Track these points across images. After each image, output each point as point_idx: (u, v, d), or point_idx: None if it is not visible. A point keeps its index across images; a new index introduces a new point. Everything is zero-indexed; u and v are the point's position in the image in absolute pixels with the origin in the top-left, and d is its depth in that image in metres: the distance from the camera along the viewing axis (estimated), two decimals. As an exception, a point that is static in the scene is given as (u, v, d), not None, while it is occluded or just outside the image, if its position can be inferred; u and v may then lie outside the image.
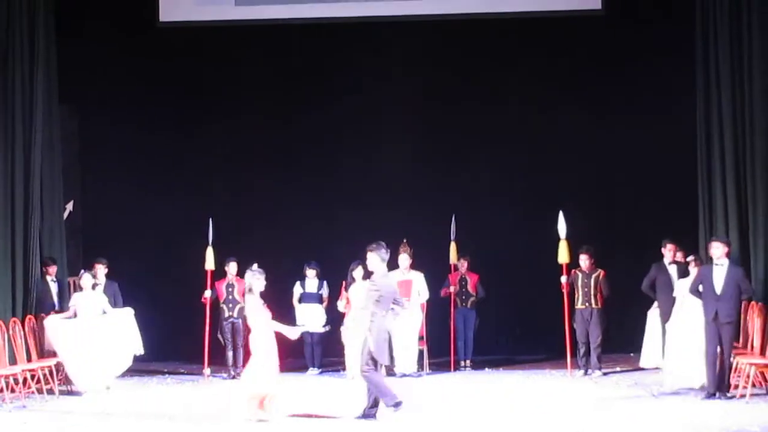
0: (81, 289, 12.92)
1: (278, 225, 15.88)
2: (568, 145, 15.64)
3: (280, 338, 10.76)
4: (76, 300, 12.87)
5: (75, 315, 12.75)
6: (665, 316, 12.79)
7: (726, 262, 11.25)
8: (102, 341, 12.67)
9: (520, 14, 15.17)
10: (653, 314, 13.35)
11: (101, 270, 13.73)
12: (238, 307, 14.17)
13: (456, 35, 15.59)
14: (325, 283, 14.52)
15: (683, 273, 12.60)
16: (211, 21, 15.31)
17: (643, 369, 13.28)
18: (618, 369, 13.88)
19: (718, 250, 11.31)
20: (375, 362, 10.31)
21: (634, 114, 15.30)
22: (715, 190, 13.04)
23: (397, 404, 10.25)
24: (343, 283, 13.78)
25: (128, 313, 13.25)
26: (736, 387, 11.20)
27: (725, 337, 11.12)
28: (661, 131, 15.09)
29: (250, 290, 10.59)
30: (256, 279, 10.62)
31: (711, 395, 11.10)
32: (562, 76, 15.60)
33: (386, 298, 10.43)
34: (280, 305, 14.74)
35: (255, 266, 10.89)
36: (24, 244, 13.22)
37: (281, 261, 15.14)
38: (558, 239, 13.68)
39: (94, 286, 13.08)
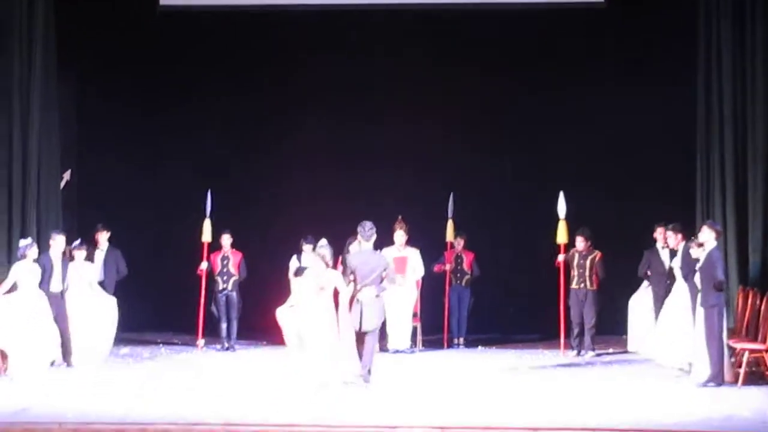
0: (73, 259, 12.86)
1: (274, 200, 15.87)
2: (569, 125, 15.58)
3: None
4: (16, 271, 11.99)
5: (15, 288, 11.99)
6: (658, 302, 12.84)
7: (711, 246, 11.21)
8: (82, 318, 12.53)
9: (523, 5, 15.13)
10: (635, 300, 13.58)
11: (104, 236, 13.83)
12: (232, 279, 14.21)
13: (457, 23, 15.53)
14: (321, 257, 14.50)
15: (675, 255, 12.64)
16: (210, 6, 15.28)
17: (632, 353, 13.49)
18: (611, 350, 13.91)
19: (702, 234, 11.31)
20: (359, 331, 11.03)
21: (636, 96, 15.23)
22: (713, 174, 13.04)
23: (364, 379, 10.94)
24: (339, 258, 13.74)
25: (111, 302, 13.10)
26: (737, 373, 11.18)
27: (707, 322, 11.08)
28: (662, 114, 15.06)
29: (327, 262, 11.10)
30: (328, 250, 11.22)
31: (707, 381, 11.07)
32: (564, 58, 15.55)
33: (360, 273, 11.06)
34: (276, 279, 14.81)
35: (324, 241, 11.53)
36: (21, 212, 13.24)
37: (277, 235, 15.20)
38: (557, 219, 13.68)
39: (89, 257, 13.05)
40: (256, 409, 9.60)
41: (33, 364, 11.64)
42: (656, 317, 12.80)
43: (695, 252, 11.46)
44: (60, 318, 12.18)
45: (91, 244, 13.62)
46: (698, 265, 11.26)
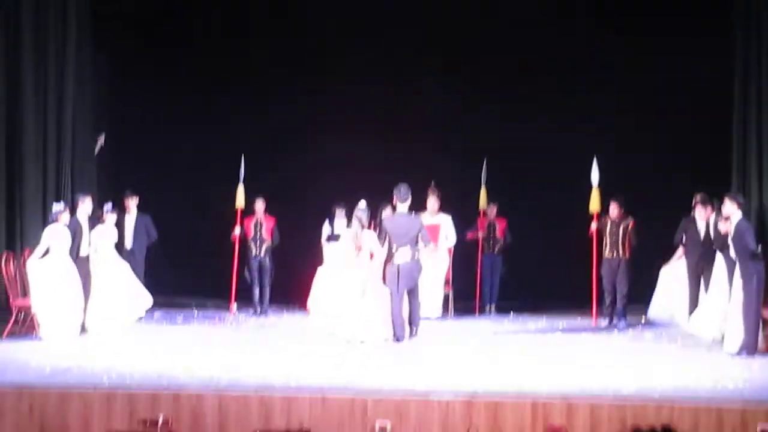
0: (104, 222, 12.88)
1: (307, 165, 15.88)
2: (604, 92, 15.46)
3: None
4: (48, 235, 11.95)
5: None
6: (691, 270, 12.77)
7: (737, 218, 11.11)
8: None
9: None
10: (667, 270, 13.43)
11: (133, 202, 13.86)
12: (265, 245, 14.27)
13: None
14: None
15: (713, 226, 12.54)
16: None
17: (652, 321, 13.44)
18: (643, 320, 13.86)
19: (725, 207, 11.21)
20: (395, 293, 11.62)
21: (672, 63, 15.09)
22: (750, 140, 12.87)
23: (398, 339, 11.60)
24: (372, 223, 13.72)
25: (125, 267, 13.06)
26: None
27: (746, 290, 11.00)
28: (698, 81, 14.90)
29: (363, 224, 11.78)
30: (365, 213, 11.90)
31: (740, 351, 11.02)
32: (600, 20, 15.38)
33: (395, 235, 11.65)
34: (308, 244, 14.87)
35: (363, 203, 12.15)
36: (56, 178, 13.32)
37: (309, 201, 15.23)
38: (590, 187, 13.59)
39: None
40: (288, 372, 9.66)
41: (64, 327, 11.74)
42: (690, 286, 12.71)
43: (723, 226, 11.36)
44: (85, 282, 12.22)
45: (121, 210, 13.68)
46: (729, 238, 11.18)
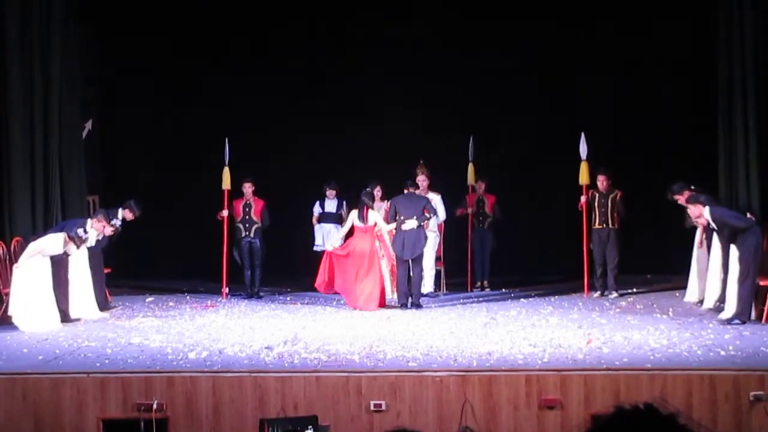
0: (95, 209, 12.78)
1: (296, 146, 15.85)
2: (591, 65, 15.47)
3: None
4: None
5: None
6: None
7: (707, 213, 11.12)
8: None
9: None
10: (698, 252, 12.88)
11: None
12: (254, 227, 14.22)
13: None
14: (344, 203, 14.53)
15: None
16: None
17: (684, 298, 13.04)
18: (634, 290, 13.90)
19: (691, 213, 11.31)
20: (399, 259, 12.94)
21: (658, 35, 15.09)
22: (736, 115, 12.77)
23: (403, 305, 12.71)
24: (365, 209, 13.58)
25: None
26: (760, 311, 11.15)
27: (742, 257, 11.05)
28: (682, 52, 14.93)
29: (369, 205, 12.95)
30: (369, 196, 13.04)
31: (732, 318, 11.05)
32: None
33: (403, 209, 12.94)
34: (298, 224, 14.86)
35: (368, 189, 13.26)
36: (44, 161, 13.22)
37: (299, 181, 15.22)
38: (579, 160, 13.60)
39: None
40: (282, 351, 9.66)
41: (41, 318, 11.57)
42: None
43: (700, 223, 11.40)
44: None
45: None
46: (715, 231, 11.25)
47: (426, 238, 13.08)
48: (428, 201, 13.27)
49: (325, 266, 12.91)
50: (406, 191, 13.38)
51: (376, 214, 13.03)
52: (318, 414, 8.48)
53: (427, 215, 12.94)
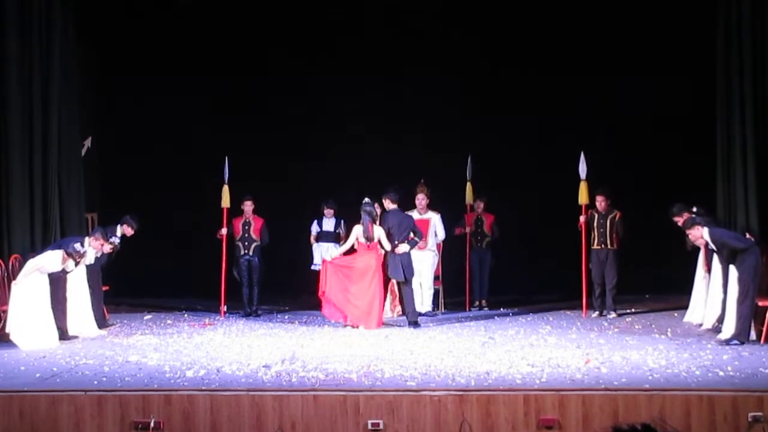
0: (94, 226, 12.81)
1: (295, 165, 15.87)
2: (590, 84, 15.47)
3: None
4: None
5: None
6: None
7: (707, 234, 11.13)
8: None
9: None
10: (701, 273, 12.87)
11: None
12: (254, 245, 14.23)
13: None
14: (342, 222, 14.54)
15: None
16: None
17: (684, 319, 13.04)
18: (632, 310, 13.88)
19: (692, 235, 11.29)
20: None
21: (657, 55, 15.12)
22: (734, 133, 12.78)
23: (415, 324, 12.71)
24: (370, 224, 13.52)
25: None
26: (759, 331, 11.14)
27: (741, 277, 11.05)
28: (682, 74, 14.95)
29: (374, 218, 12.87)
30: (373, 208, 12.93)
31: (731, 339, 11.04)
32: (585, 16, 15.40)
33: (396, 230, 12.85)
34: (297, 244, 14.86)
35: (368, 199, 12.96)
36: (43, 179, 13.22)
37: (297, 201, 15.23)
38: (578, 180, 13.60)
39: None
40: (280, 370, 9.64)
41: (38, 336, 11.55)
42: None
43: (701, 243, 11.41)
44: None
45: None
46: (715, 252, 11.26)
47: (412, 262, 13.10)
48: (413, 221, 13.18)
49: (325, 276, 12.86)
50: (388, 208, 13.13)
51: (381, 231, 12.83)
52: (315, 433, 8.45)
53: (416, 239, 12.96)
